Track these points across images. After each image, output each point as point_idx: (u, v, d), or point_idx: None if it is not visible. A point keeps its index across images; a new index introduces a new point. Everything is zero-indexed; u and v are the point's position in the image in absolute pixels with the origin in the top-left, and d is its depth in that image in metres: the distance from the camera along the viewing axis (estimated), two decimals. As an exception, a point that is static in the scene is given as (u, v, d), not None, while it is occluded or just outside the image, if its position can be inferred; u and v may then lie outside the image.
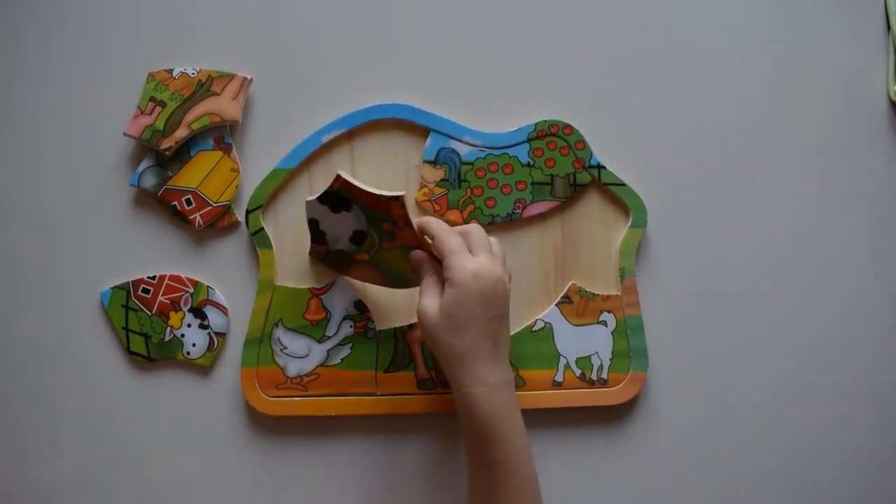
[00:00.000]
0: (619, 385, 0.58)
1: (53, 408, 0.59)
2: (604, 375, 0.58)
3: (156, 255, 0.59)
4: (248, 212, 0.58)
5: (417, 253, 0.54)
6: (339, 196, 0.54)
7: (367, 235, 0.55)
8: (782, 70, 0.61)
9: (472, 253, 0.51)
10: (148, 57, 0.59)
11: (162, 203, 0.58)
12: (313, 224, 0.56)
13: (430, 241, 0.53)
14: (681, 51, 0.61)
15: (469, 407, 0.50)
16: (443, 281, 0.51)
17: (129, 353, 0.58)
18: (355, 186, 0.53)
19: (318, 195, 0.54)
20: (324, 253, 0.57)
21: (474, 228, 0.53)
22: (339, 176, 0.53)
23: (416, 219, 0.54)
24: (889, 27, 0.62)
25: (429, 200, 0.59)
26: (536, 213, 0.59)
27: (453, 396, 0.51)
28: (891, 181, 0.62)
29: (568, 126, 0.59)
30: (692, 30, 0.61)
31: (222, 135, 0.58)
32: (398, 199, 0.53)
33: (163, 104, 0.58)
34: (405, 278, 0.56)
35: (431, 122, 0.59)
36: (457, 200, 0.59)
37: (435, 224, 0.53)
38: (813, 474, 0.60)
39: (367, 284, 0.58)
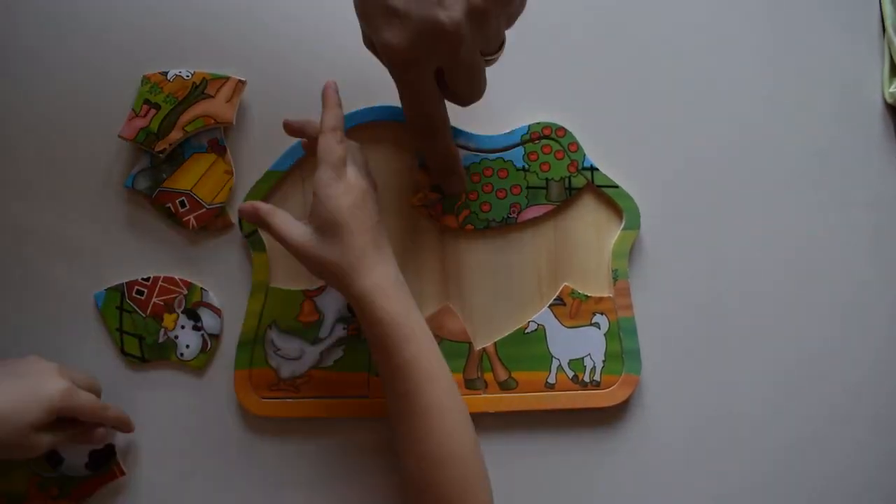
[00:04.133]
0: (612, 387, 0.58)
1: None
2: (596, 377, 0.58)
3: (150, 256, 0.59)
4: (241, 214, 0.59)
5: None
6: None
7: None
8: (777, 73, 0.61)
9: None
10: (142, 59, 0.59)
11: (156, 205, 0.59)
12: None
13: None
14: (674, 53, 0.61)
15: (370, 311, 0.50)
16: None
17: (124, 353, 0.58)
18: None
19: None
20: None
21: (324, 143, 0.52)
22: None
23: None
24: (884, 30, 0.62)
25: (424, 205, 0.59)
26: (532, 217, 0.59)
27: (350, 304, 0.51)
28: (886, 184, 0.62)
29: (561, 128, 0.59)
30: (686, 32, 0.61)
31: (216, 137, 0.59)
32: None
33: (157, 106, 0.58)
34: None
35: (425, 124, 0.59)
36: (452, 205, 0.59)
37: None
38: (805, 476, 0.60)
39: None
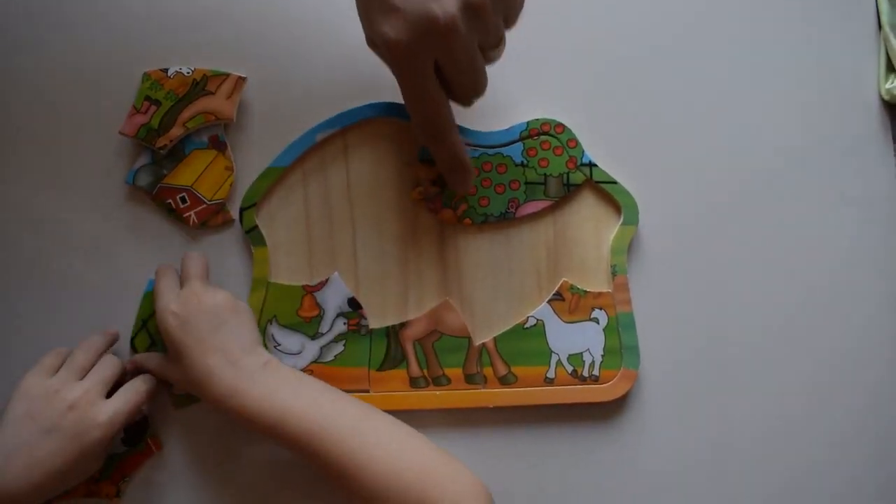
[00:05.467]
0: (611, 382, 0.59)
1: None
2: (595, 372, 0.59)
3: (150, 252, 0.59)
4: (242, 209, 0.59)
5: None
6: None
7: None
8: (773, 68, 0.62)
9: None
10: (143, 56, 0.59)
11: (157, 201, 0.59)
12: None
13: None
14: (672, 50, 0.61)
15: (247, 416, 0.50)
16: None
17: (132, 347, 0.58)
18: None
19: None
20: None
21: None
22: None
23: None
24: (880, 27, 0.63)
25: (423, 199, 0.59)
26: (530, 212, 0.59)
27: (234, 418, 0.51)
28: (882, 180, 0.62)
29: (560, 124, 0.59)
30: (683, 29, 0.62)
31: (217, 133, 0.59)
32: None
33: (158, 103, 0.58)
34: None
35: (424, 120, 0.59)
36: (451, 199, 0.59)
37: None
38: (805, 470, 0.60)
39: (361, 283, 0.59)
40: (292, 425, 0.50)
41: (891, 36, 0.62)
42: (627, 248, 0.59)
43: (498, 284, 0.59)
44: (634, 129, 0.61)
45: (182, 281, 0.55)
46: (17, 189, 0.60)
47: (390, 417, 0.53)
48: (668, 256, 0.60)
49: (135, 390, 0.54)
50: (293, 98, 0.60)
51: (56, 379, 0.53)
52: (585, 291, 0.59)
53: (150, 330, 0.58)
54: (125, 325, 0.59)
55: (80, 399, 0.51)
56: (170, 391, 0.58)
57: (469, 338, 0.59)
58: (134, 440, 0.58)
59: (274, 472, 0.58)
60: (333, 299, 0.59)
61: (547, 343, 0.59)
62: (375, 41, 0.49)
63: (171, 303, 0.53)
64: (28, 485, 0.49)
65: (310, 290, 0.59)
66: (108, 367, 0.54)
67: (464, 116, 0.59)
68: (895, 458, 0.61)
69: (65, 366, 0.54)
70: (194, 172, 0.59)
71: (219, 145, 0.59)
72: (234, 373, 0.51)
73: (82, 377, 0.53)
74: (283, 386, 0.52)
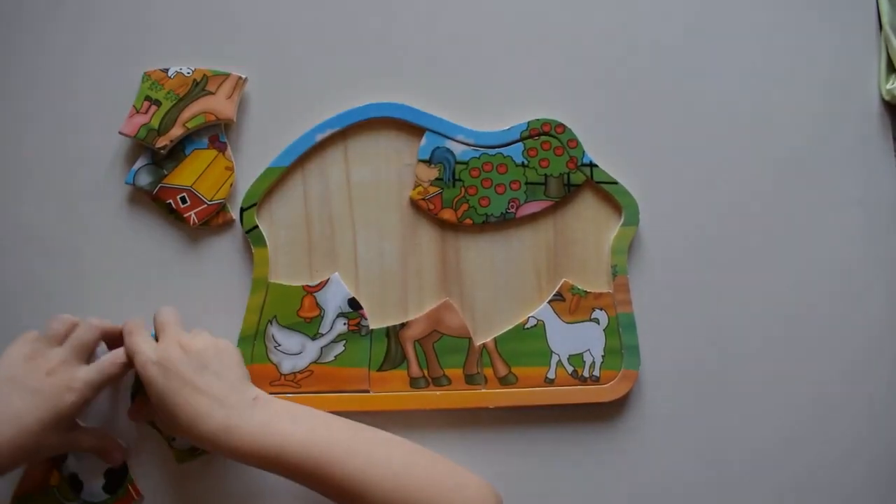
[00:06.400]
0: (611, 382, 0.59)
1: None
2: (596, 373, 0.59)
3: (151, 252, 0.59)
4: (242, 210, 0.59)
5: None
6: None
7: None
8: (774, 69, 0.62)
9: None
10: (143, 56, 0.59)
11: (157, 201, 0.59)
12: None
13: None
14: (672, 50, 0.61)
15: (243, 452, 0.50)
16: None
17: None
18: None
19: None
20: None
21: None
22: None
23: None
24: (881, 27, 0.63)
25: (423, 199, 0.59)
26: (530, 212, 0.59)
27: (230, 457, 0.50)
28: (883, 180, 0.62)
29: (560, 125, 0.59)
30: (683, 29, 0.62)
31: (217, 133, 0.59)
32: None
33: (158, 103, 0.58)
34: None
35: (426, 121, 0.59)
36: (451, 199, 0.59)
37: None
38: (805, 471, 0.60)
39: (361, 283, 0.59)
40: (293, 455, 0.49)
41: (891, 36, 0.62)
42: (628, 248, 0.59)
43: (498, 285, 0.59)
44: (635, 130, 0.61)
45: (157, 332, 0.55)
46: (18, 189, 0.60)
47: (388, 434, 0.53)
48: (669, 257, 0.60)
49: (111, 361, 0.54)
50: (293, 98, 0.60)
51: (34, 347, 0.53)
52: (586, 292, 0.59)
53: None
54: (125, 325, 0.59)
55: (57, 365, 0.52)
56: (170, 445, 0.58)
57: (469, 338, 0.59)
58: (114, 487, 0.58)
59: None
60: (334, 300, 0.59)
61: (547, 343, 0.59)
62: None
63: (150, 354, 0.52)
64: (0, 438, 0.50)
65: (310, 291, 0.59)
66: (84, 333, 0.55)
67: (464, 117, 0.59)
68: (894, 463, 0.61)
69: (44, 335, 0.54)
70: (194, 172, 0.59)
71: (219, 145, 0.59)
72: (224, 412, 0.50)
73: (61, 344, 0.54)
74: (277, 418, 0.51)
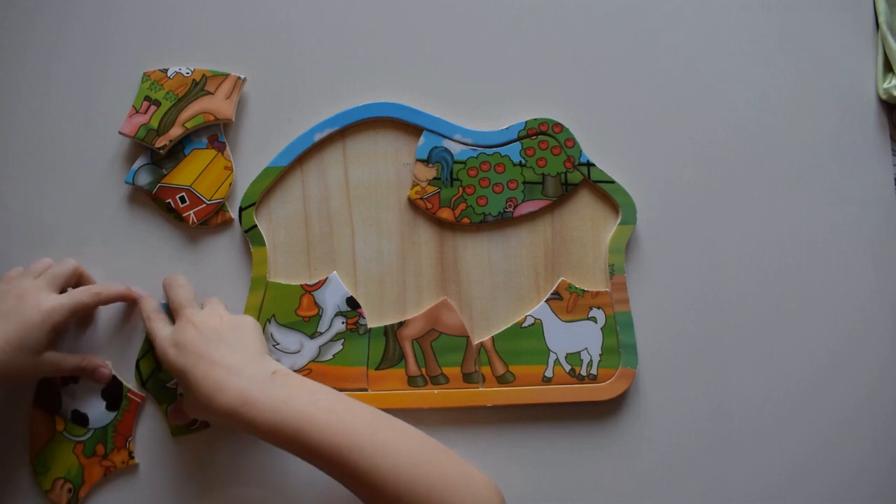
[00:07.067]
0: (609, 381, 0.59)
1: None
2: (593, 371, 0.59)
3: (150, 252, 0.59)
4: (241, 209, 0.59)
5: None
6: None
7: None
8: (772, 69, 0.62)
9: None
10: (143, 57, 0.60)
11: (156, 201, 0.59)
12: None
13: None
14: (670, 49, 0.62)
15: (260, 428, 0.49)
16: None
17: (137, 369, 0.59)
18: None
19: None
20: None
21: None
22: None
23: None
24: (877, 26, 0.63)
25: (421, 199, 0.59)
26: (528, 211, 0.60)
27: (256, 435, 0.50)
28: (881, 179, 0.62)
29: (557, 124, 0.59)
30: (682, 28, 0.62)
31: (216, 133, 0.59)
32: None
33: (157, 103, 0.58)
34: None
35: (424, 121, 0.59)
36: (449, 199, 0.59)
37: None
38: (803, 468, 0.60)
39: (359, 282, 0.59)
40: (311, 436, 0.48)
41: (888, 36, 0.62)
42: (625, 247, 0.59)
43: (496, 284, 0.60)
44: (632, 129, 0.61)
45: (173, 313, 0.56)
46: (18, 189, 0.60)
47: (402, 422, 0.52)
48: (666, 255, 0.61)
49: (83, 290, 0.56)
50: (292, 98, 0.60)
51: (12, 280, 0.56)
52: (583, 290, 0.59)
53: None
54: (125, 324, 0.59)
55: (27, 290, 0.54)
56: (167, 419, 0.58)
57: (467, 337, 0.59)
58: (116, 403, 0.58)
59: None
60: (332, 298, 0.59)
61: (545, 342, 0.59)
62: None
63: (167, 338, 0.53)
64: None
65: (308, 290, 0.59)
66: (60, 266, 0.57)
67: (462, 116, 0.60)
68: (890, 455, 0.61)
69: (23, 270, 0.57)
70: (194, 172, 0.59)
71: (218, 145, 0.59)
72: (242, 383, 0.50)
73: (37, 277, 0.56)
74: (296, 395, 0.50)
